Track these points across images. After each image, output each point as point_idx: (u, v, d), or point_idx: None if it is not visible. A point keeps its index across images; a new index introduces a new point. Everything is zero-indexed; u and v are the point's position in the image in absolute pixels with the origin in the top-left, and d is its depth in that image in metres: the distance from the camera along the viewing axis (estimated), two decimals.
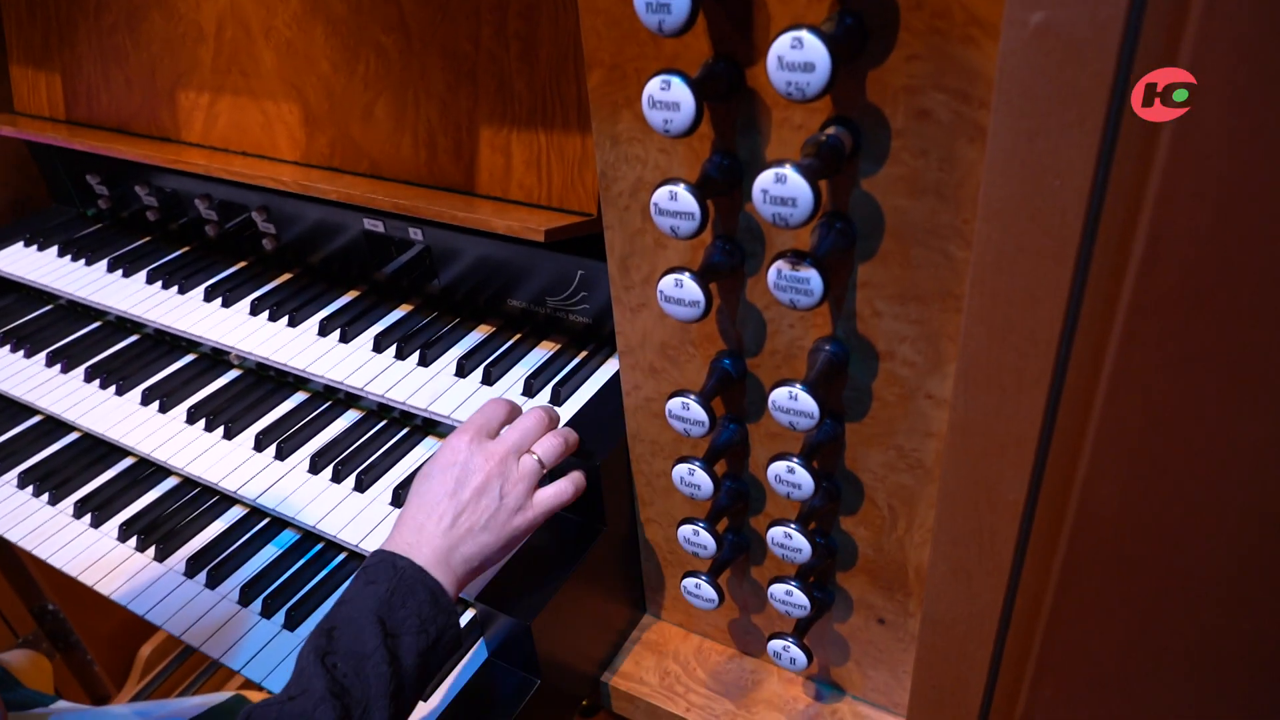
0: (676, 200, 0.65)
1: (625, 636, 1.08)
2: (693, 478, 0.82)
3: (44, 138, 1.37)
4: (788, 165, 0.58)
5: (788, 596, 0.84)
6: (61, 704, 1.29)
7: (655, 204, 0.67)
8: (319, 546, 1.11)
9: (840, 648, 0.95)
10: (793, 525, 0.80)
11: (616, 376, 1.05)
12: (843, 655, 0.95)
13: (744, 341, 0.80)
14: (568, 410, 1.02)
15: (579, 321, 1.12)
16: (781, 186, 0.58)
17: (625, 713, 1.05)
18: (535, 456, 0.88)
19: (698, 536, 0.86)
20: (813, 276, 0.64)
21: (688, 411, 0.78)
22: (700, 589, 0.90)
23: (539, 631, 0.89)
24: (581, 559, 0.94)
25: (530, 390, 1.05)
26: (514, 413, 0.91)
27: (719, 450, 0.85)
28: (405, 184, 1.08)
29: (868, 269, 0.68)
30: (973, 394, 0.61)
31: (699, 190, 0.65)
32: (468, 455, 0.84)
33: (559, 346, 1.13)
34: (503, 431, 0.88)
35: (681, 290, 0.71)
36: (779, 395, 0.71)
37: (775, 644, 0.89)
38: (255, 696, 1.36)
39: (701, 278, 0.70)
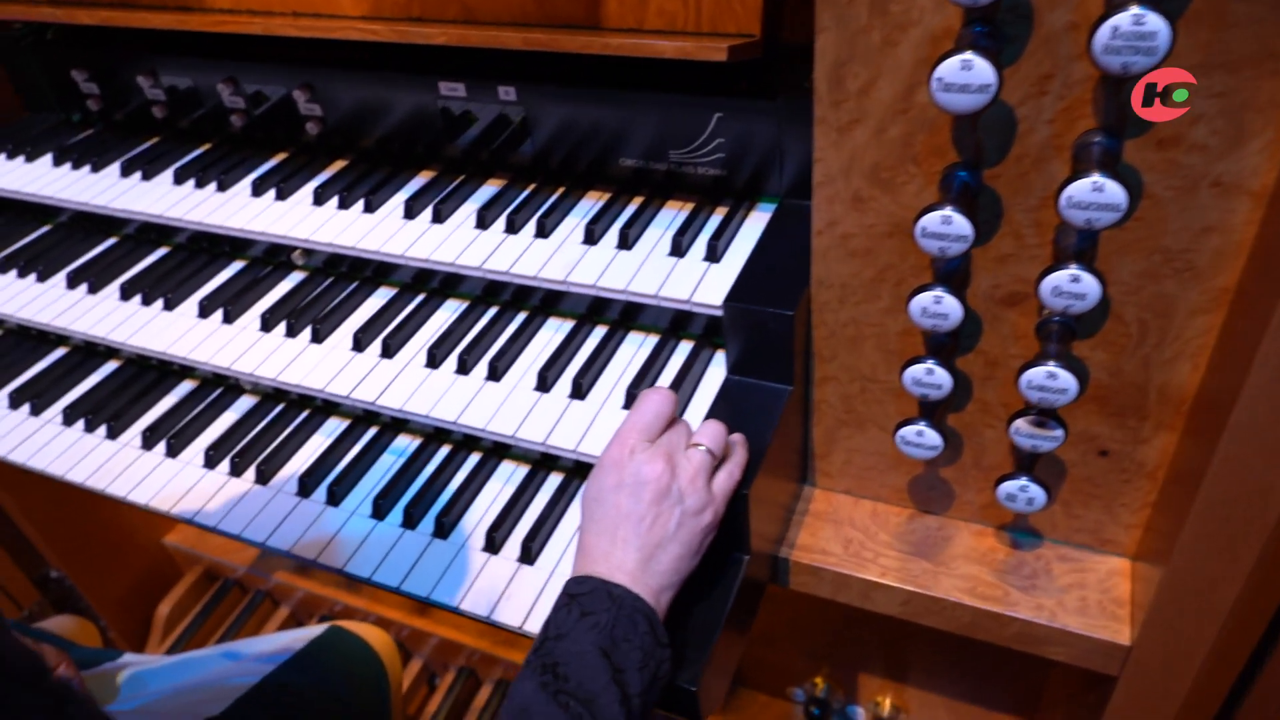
0: None
1: (792, 511, 1.00)
2: (939, 306, 0.73)
3: (28, 15, 1.16)
4: None
5: (1035, 432, 0.77)
6: (129, 657, 1.17)
7: None
8: (446, 450, 1.00)
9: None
10: (1053, 363, 0.72)
11: (770, 229, 0.95)
12: None
13: (984, 149, 0.71)
14: (729, 266, 0.92)
15: (708, 175, 1.01)
16: None
17: (806, 587, 0.99)
18: (703, 447, 0.78)
19: (931, 375, 0.78)
20: None
21: (949, 226, 0.69)
22: (922, 436, 0.82)
23: (752, 501, 0.81)
24: (774, 424, 0.86)
25: (679, 248, 0.94)
26: (675, 403, 0.81)
27: (948, 276, 0.76)
28: (510, 27, 0.93)
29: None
30: None
31: None
32: (633, 467, 0.74)
33: (692, 205, 1.02)
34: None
35: (970, 74, 0.61)
36: (1078, 188, 0.62)
37: (1009, 485, 0.82)
38: (352, 627, 1.26)
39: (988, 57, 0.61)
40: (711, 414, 0.88)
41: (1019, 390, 0.75)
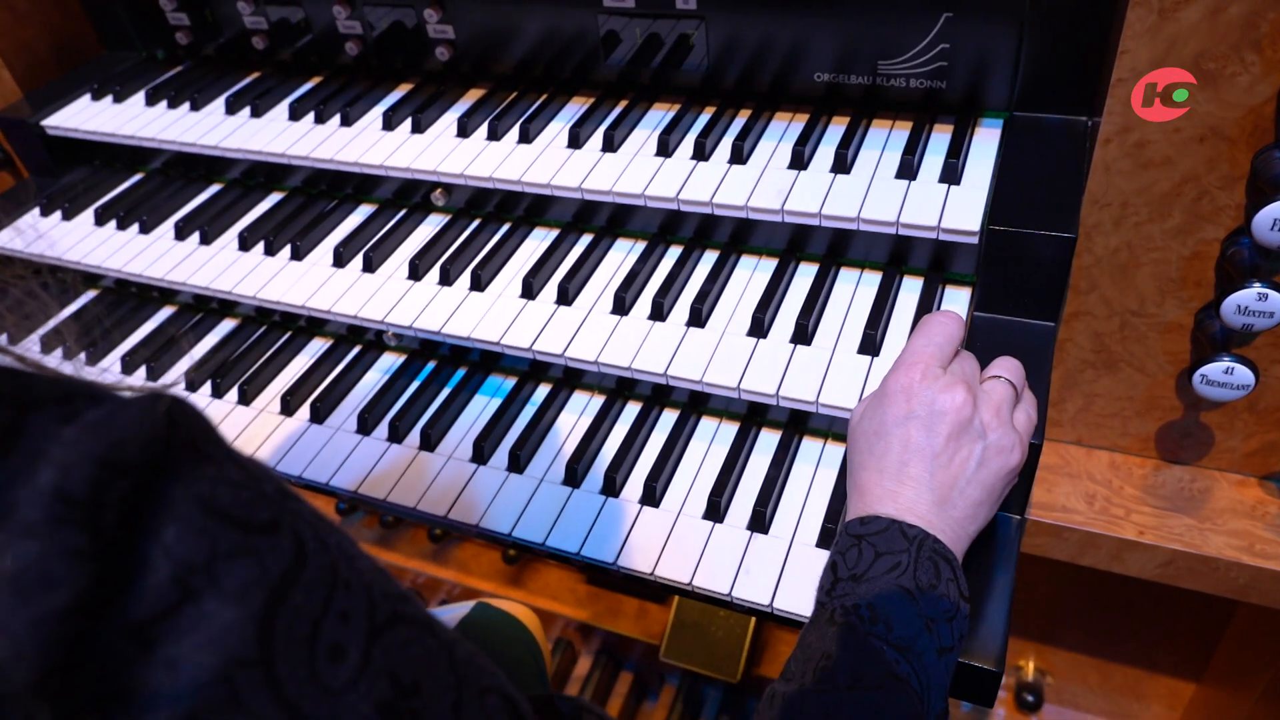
0: None
1: None
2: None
3: None
4: None
5: None
6: None
7: None
8: (637, 406, 0.89)
9: None
10: None
11: (1008, 146, 0.83)
12: None
13: None
14: (973, 189, 0.80)
15: (920, 88, 0.89)
16: None
17: (1044, 549, 0.88)
18: (1004, 378, 0.66)
19: (1265, 302, 0.67)
20: None
21: None
22: (1232, 374, 0.71)
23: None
24: (1049, 365, 0.75)
25: (909, 169, 0.83)
26: (965, 331, 0.69)
27: (1277, 184, 0.65)
28: None
29: None
30: None
31: None
32: (927, 395, 0.62)
33: (907, 124, 0.89)
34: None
35: None
36: None
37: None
38: (496, 602, 1.16)
39: None
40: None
41: None
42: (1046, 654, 1.48)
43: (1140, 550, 0.84)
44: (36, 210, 1.15)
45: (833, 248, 0.88)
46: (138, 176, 1.19)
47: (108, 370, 1.03)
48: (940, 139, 0.86)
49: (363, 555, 0.37)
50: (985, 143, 0.85)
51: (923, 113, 0.90)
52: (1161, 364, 0.82)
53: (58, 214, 1.13)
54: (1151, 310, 0.79)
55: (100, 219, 1.11)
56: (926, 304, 0.81)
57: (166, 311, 1.10)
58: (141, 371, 1.01)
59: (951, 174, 0.81)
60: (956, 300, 0.83)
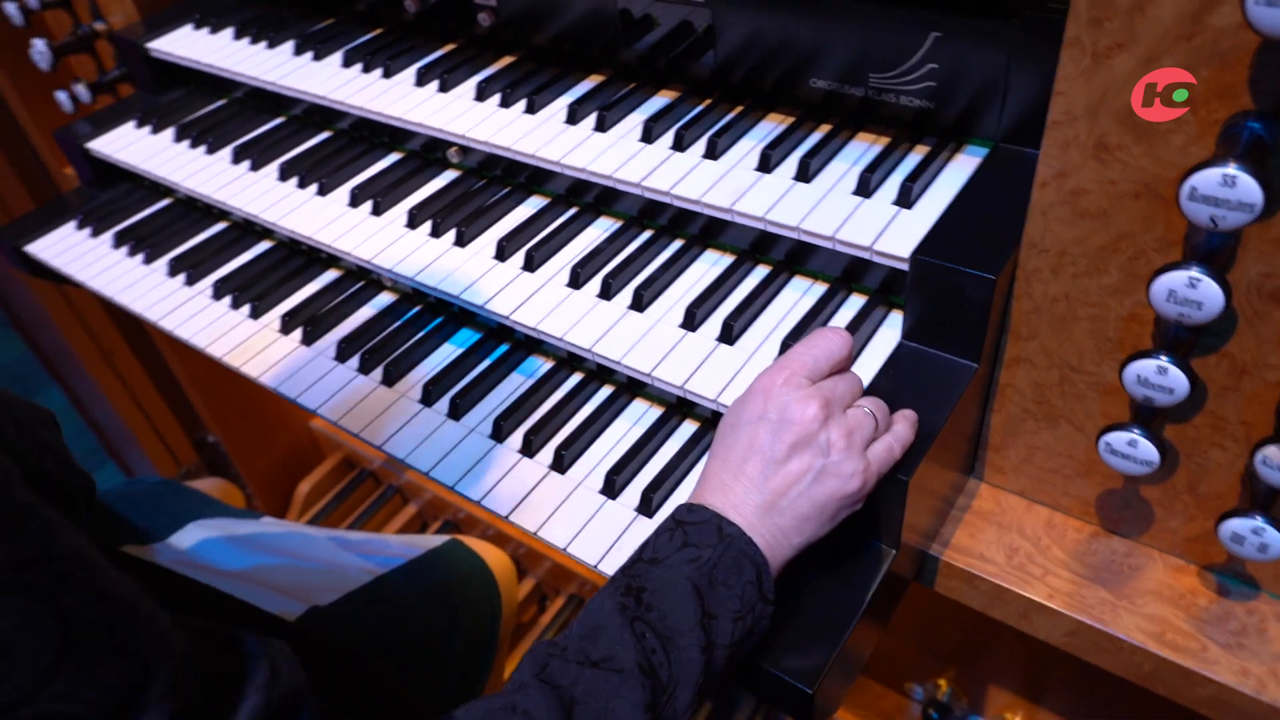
0: None
1: (950, 504, 0.88)
2: (1194, 291, 0.58)
3: None
4: None
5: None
6: (267, 520, 1.19)
7: None
8: (577, 377, 0.93)
9: None
10: None
11: (977, 176, 0.81)
12: None
13: None
14: (923, 214, 0.79)
15: (911, 106, 0.87)
16: None
17: (955, 593, 0.86)
18: (866, 409, 0.66)
19: (1164, 376, 0.63)
20: None
21: (1232, 190, 0.53)
22: (1135, 447, 0.68)
23: (911, 490, 0.69)
24: (952, 404, 0.73)
25: (866, 188, 0.82)
26: (851, 350, 0.70)
27: (1209, 255, 0.61)
28: None
29: None
30: None
31: None
32: (782, 400, 0.64)
33: (887, 140, 0.88)
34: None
35: None
36: None
37: (1238, 524, 0.66)
38: (471, 543, 1.23)
39: None
40: (878, 380, 0.76)
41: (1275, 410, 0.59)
42: (1036, 713, 1.42)
43: (1047, 614, 0.81)
44: (132, 123, 1.29)
45: (792, 255, 0.88)
46: (221, 103, 1.31)
47: (157, 267, 1.15)
48: (913, 160, 0.85)
49: None
50: (958, 170, 0.83)
51: (909, 131, 0.88)
52: (1100, 426, 0.77)
53: (148, 128, 1.27)
54: (1090, 369, 0.75)
55: (178, 137, 1.24)
56: (859, 322, 0.80)
57: (219, 227, 1.22)
58: (182, 276, 1.13)
59: (905, 197, 0.80)
60: (893, 324, 0.82)
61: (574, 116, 0.98)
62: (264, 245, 1.17)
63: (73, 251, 1.21)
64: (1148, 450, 0.67)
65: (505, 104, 1.02)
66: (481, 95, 1.04)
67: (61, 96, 1.45)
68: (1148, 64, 0.59)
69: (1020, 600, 0.81)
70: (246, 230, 1.20)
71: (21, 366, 2.77)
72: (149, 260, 1.17)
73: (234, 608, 0.82)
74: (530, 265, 0.93)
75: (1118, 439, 0.68)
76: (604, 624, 0.56)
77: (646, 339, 0.83)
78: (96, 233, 1.23)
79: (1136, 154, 0.63)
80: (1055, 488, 0.85)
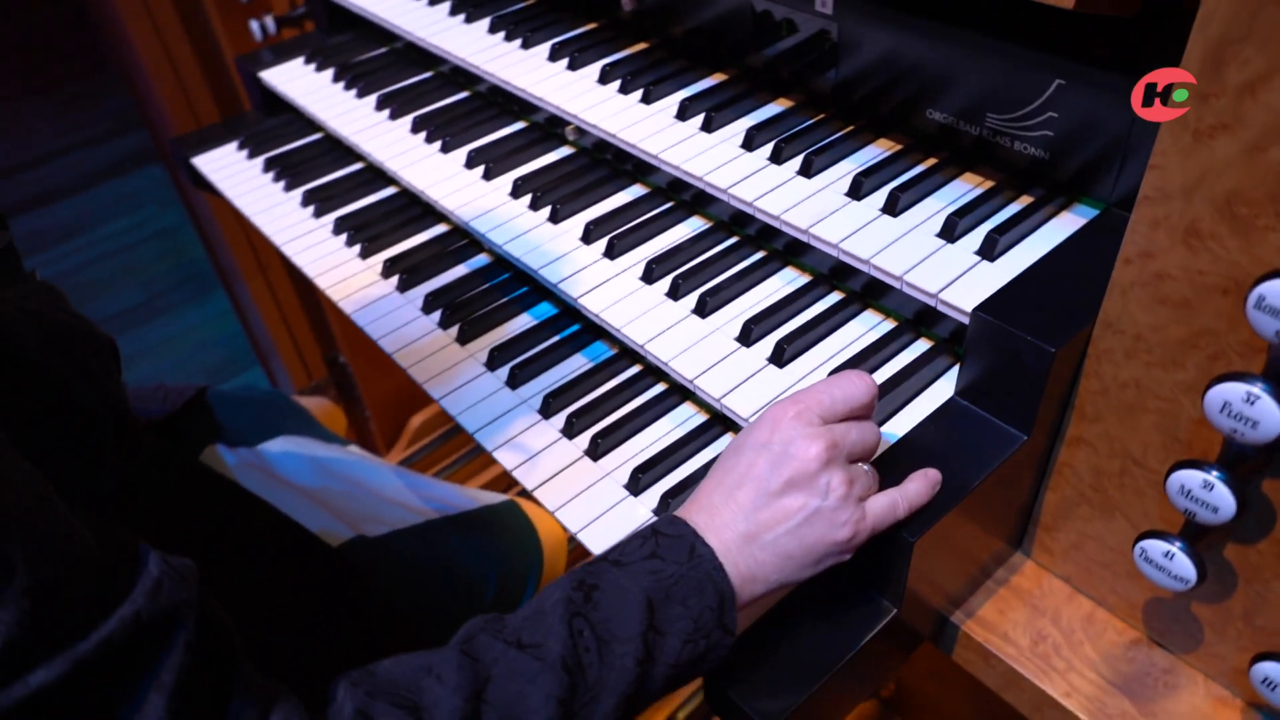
0: None
1: (988, 573, 0.83)
2: (1252, 407, 0.53)
3: None
4: None
5: None
6: (354, 449, 1.26)
7: None
8: (634, 369, 0.94)
9: None
10: None
11: (1075, 238, 0.75)
12: None
13: None
14: (1004, 269, 0.74)
15: (1025, 154, 0.82)
16: None
17: (969, 665, 0.82)
18: (866, 468, 0.65)
19: (1210, 492, 0.57)
20: None
21: None
22: (1171, 560, 0.62)
23: (920, 550, 0.66)
24: (987, 471, 0.69)
25: (950, 232, 0.78)
26: (874, 400, 0.67)
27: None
28: None
29: None
30: None
31: None
32: (789, 434, 0.62)
33: (992, 184, 0.84)
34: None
35: None
36: None
37: (1270, 668, 0.60)
38: (529, 508, 1.27)
39: None
40: (917, 431, 0.73)
41: None
42: None
43: (1059, 712, 0.76)
44: (301, 59, 1.39)
45: (867, 288, 0.85)
46: (382, 50, 1.39)
47: (293, 196, 1.24)
48: (1012, 210, 0.80)
49: None
50: (1057, 229, 0.78)
51: (1019, 179, 0.83)
52: (1142, 532, 0.71)
53: (313, 65, 1.37)
54: (1153, 465, 0.69)
55: (336, 78, 1.33)
56: (917, 368, 0.77)
57: (355, 166, 1.30)
58: (312, 207, 1.21)
59: (990, 247, 0.75)
60: (952, 378, 0.78)
61: (684, 113, 0.98)
62: (389, 190, 1.24)
63: (228, 169, 1.32)
64: (1184, 566, 0.61)
65: (624, 90, 1.03)
66: (604, 79, 1.06)
67: (254, 25, 1.57)
68: (1254, 151, 0.54)
69: (1035, 690, 0.77)
70: (376, 174, 1.27)
71: (200, 265, 3.04)
72: (288, 189, 1.26)
73: (276, 521, 0.88)
74: (611, 253, 0.94)
75: (1154, 548, 0.63)
76: (547, 611, 0.57)
77: (699, 345, 0.83)
78: (252, 155, 1.34)
79: (1231, 247, 0.57)
80: (1103, 582, 0.79)
